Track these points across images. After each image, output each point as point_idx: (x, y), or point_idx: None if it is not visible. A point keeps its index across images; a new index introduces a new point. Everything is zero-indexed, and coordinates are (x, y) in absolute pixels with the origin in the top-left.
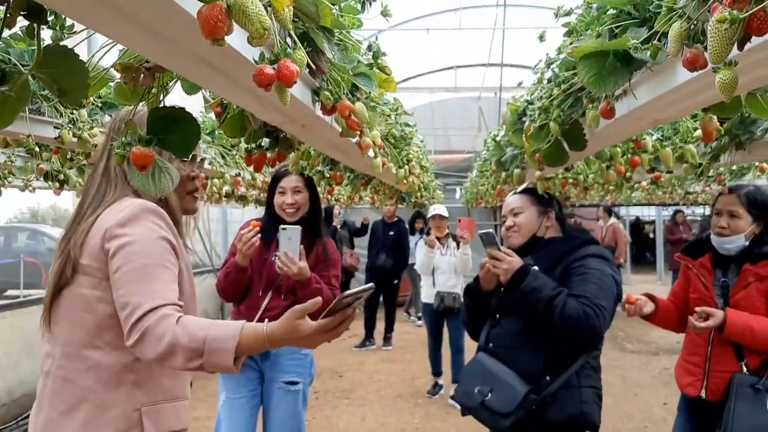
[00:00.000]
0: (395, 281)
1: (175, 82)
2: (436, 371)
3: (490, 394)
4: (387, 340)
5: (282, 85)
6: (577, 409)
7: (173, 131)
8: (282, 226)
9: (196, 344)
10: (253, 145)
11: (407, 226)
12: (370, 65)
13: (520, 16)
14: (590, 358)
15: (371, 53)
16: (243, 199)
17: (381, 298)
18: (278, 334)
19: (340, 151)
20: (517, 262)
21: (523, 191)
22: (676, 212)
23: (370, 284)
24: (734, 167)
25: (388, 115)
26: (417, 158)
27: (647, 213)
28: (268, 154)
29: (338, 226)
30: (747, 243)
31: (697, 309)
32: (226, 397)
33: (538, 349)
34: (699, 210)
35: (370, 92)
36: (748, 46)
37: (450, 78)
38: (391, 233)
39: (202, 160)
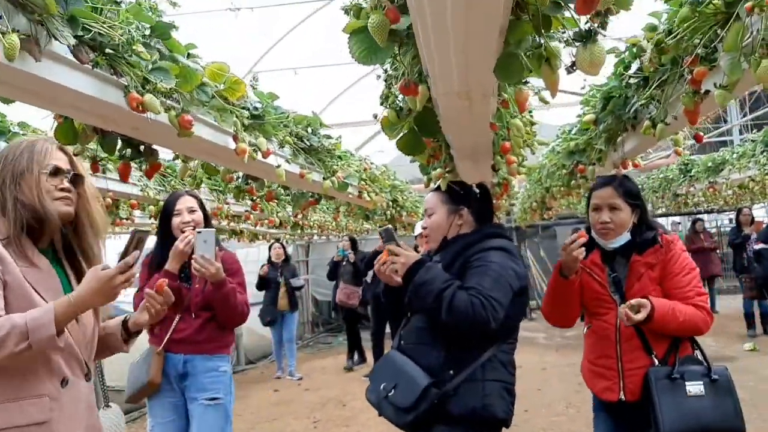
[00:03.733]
0: None
1: None
2: None
3: (393, 390)
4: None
5: None
6: (479, 402)
7: None
8: (197, 230)
9: (19, 329)
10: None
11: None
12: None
13: None
14: (499, 352)
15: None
16: None
17: (388, 327)
18: (82, 288)
19: (222, 159)
20: (413, 256)
21: (438, 188)
22: (695, 221)
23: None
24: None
25: (284, 123)
26: (358, 172)
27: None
28: (141, 165)
29: (341, 262)
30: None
31: (632, 301)
32: (155, 423)
33: (440, 344)
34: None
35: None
36: None
37: None
38: None
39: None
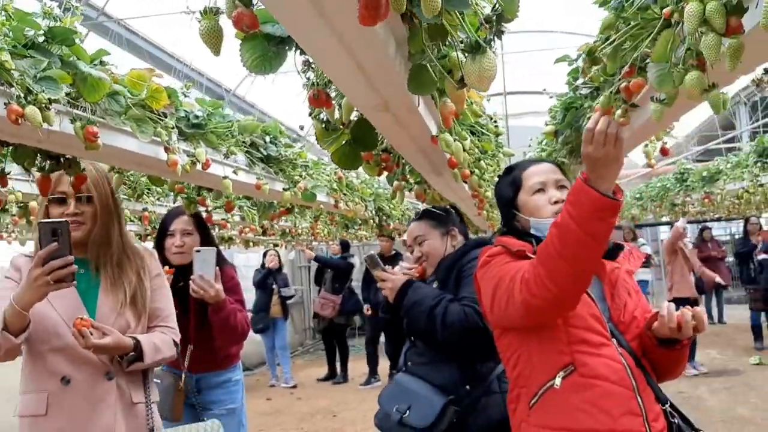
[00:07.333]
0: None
1: None
2: None
3: (408, 411)
4: (392, 376)
5: None
6: (500, 415)
7: None
8: (196, 248)
9: None
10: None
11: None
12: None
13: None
14: None
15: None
16: None
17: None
18: (19, 290)
19: (156, 170)
20: (400, 279)
21: (421, 216)
22: (703, 229)
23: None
24: None
25: (231, 132)
26: (329, 182)
27: None
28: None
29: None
30: None
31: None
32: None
33: (451, 360)
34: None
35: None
36: None
37: None
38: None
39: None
